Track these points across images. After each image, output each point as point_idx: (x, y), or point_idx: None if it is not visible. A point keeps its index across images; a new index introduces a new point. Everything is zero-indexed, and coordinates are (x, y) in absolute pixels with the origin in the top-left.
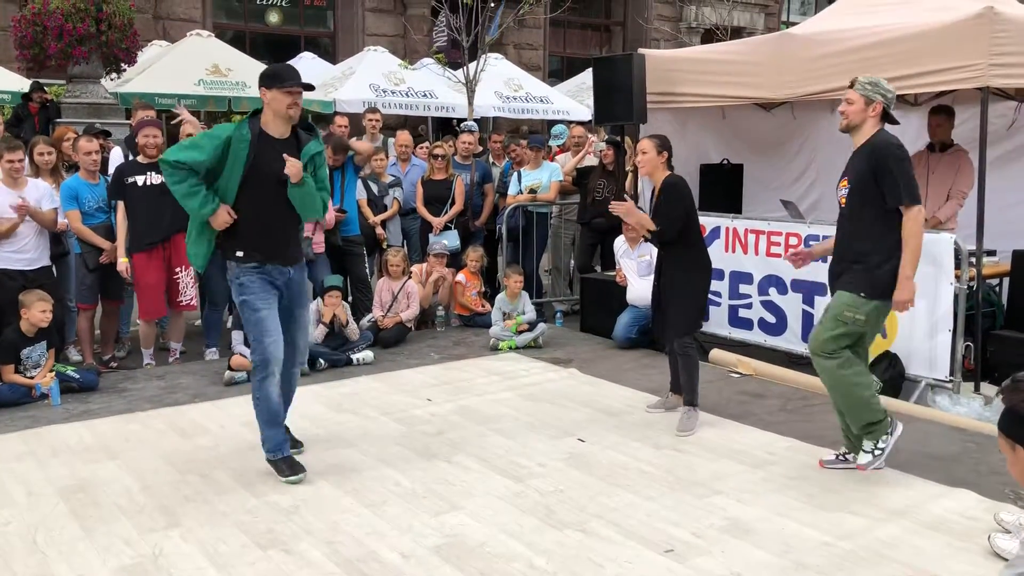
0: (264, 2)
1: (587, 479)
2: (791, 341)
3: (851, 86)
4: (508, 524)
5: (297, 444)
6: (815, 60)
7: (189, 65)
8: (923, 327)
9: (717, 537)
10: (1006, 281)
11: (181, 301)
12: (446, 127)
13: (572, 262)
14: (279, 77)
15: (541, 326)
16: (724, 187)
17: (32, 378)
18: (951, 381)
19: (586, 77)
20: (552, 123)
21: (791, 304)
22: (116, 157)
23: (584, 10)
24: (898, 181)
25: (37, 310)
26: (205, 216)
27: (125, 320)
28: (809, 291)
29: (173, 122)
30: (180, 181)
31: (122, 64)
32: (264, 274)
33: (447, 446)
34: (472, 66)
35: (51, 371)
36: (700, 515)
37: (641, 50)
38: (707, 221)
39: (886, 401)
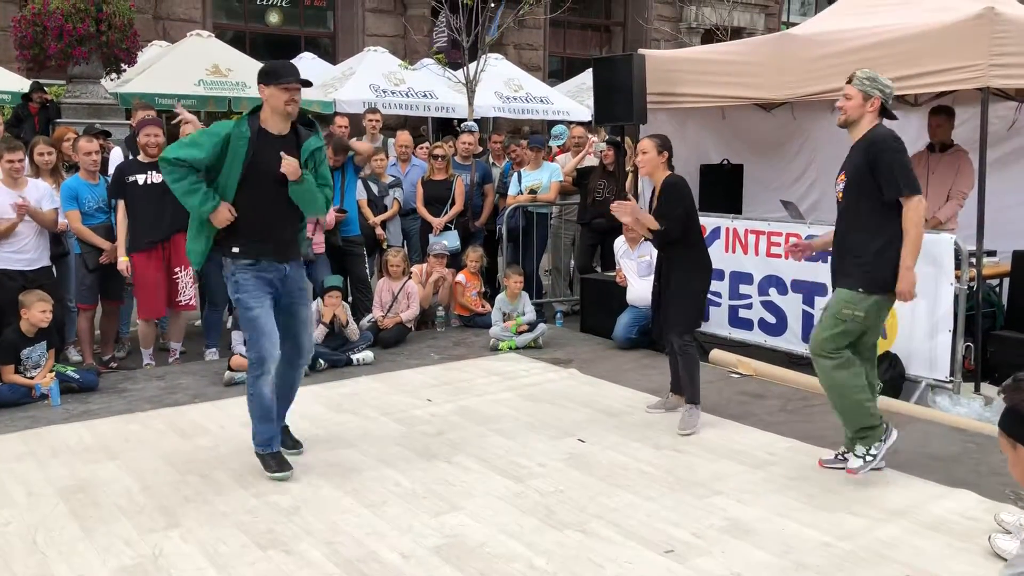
0: (264, 2)
1: (587, 479)
2: (791, 341)
3: (849, 81)
4: (508, 524)
5: (297, 445)
6: (815, 60)
7: (189, 65)
8: (923, 327)
9: (717, 537)
10: (1006, 281)
11: (180, 301)
12: (446, 127)
13: (572, 262)
14: (276, 74)
15: (541, 326)
16: (724, 187)
17: (32, 378)
18: (951, 382)
19: (586, 77)
20: (552, 123)
21: (791, 304)
22: (116, 157)
23: (584, 10)
24: (895, 173)
25: (37, 310)
26: (205, 214)
27: (125, 320)
28: (809, 291)
29: (173, 122)
30: (180, 179)
31: (122, 64)
32: (259, 271)
33: (447, 446)
34: (472, 66)
35: (51, 371)
36: (700, 515)
37: (641, 50)
38: (707, 221)
39: (886, 402)
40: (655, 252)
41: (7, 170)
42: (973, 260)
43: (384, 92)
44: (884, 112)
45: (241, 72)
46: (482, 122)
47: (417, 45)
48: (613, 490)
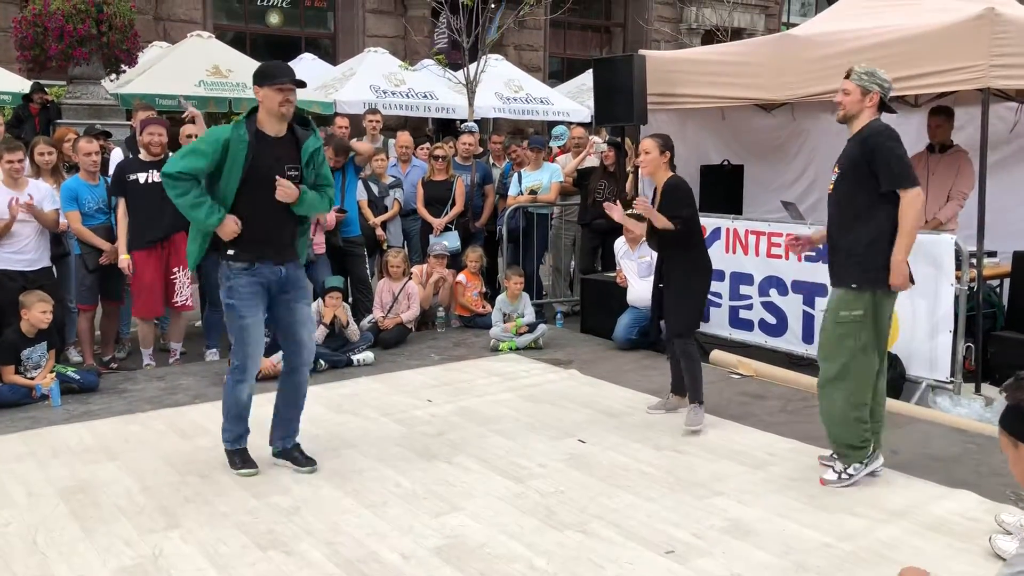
0: (265, 3)
1: (587, 480)
2: (791, 342)
3: (847, 76)
4: (509, 525)
5: (311, 462)
6: (815, 61)
7: (189, 66)
8: (924, 328)
9: (718, 538)
10: (1007, 282)
11: (176, 302)
12: (447, 128)
13: (572, 263)
14: (270, 75)
15: (541, 327)
16: (724, 188)
17: (32, 379)
18: (952, 382)
19: (586, 78)
20: (552, 124)
21: (792, 305)
22: (116, 158)
23: (584, 11)
24: (892, 164)
25: (37, 311)
26: (211, 227)
27: (125, 321)
28: (809, 292)
29: (184, 116)
30: (184, 193)
31: (122, 65)
32: (254, 275)
33: (447, 447)
34: (472, 67)
35: (51, 372)
36: (701, 516)
37: (641, 51)
38: (708, 222)
39: (887, 403)
40: (655, 253)
41: (7, 170)
42: (973, 261)
43: (384, 93)
44: (883, 107)
45: (241, 73)
46: (482, 123)
47: (417, 46)
48: (613, 491)
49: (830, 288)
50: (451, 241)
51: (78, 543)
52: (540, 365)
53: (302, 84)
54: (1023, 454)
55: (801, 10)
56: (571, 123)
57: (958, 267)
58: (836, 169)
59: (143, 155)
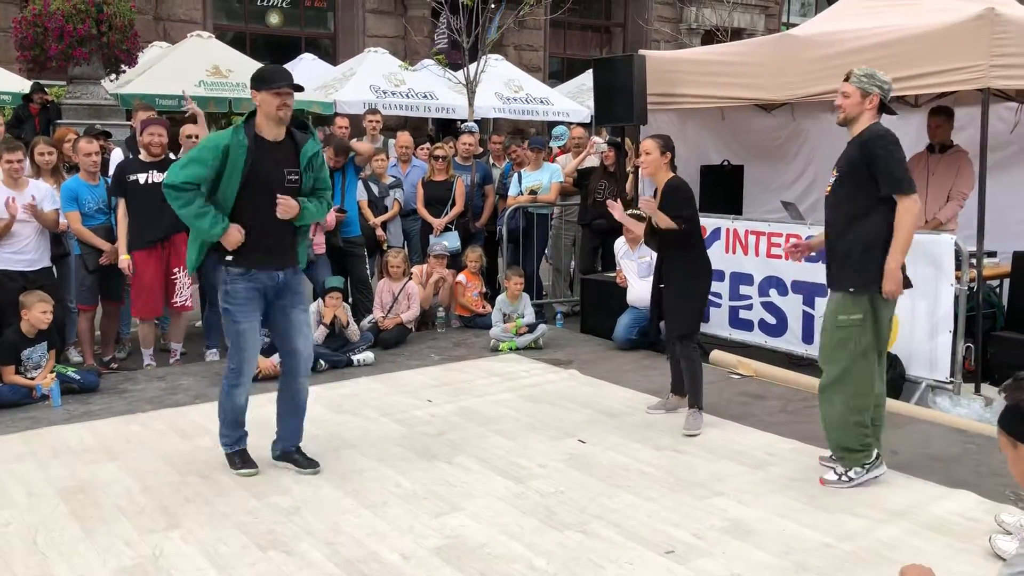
0: (265, 3)
1: (588, 480)
2: (791, 342)
3: (847, 79)
4: (509, 525)
5: (313, 464)
6: (815, 61)
7: (189, 66)
8: (924, 328)
9: (718, 538)
10: (1007, 282)
11: (176, 302)
12: (447, 128)
13: (573, 263)
14: (267, 79)
15: (541, 327)
16: (724, 188)
17: (33, 379)
18: (952, 382)
19: (586, 78)
20: (552, 124)
21: (791, 305)
22: (116, 158)
23: (584, 11)
24: (892, 169)
25: (38, 311)
26: (215, 237)
27: (125, 321)
28: (809, 292)
29: (185, 111)
30: (188, 203)
31: (122, 65)
32: (251, 280)
33: (447, 447)
34: (472, 67)
35: (52, 372)
36: (701, 516)
37: (641, 51)
38: (708, 222)
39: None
40: (655, 253)
41: (7, 170)
42: (973, 261)
43: (384, 93)
44: (883, 108)
45: (241, 73)
46: (482, 123)
47: (417, 46)
48: (613, 491)
49: (829, 291)
50: (451, 241)
51: (78, 543)
52: (540, 365)
53: (299, 88)
54: (1022, 454)
55: (801, 10)
56: (571, 123)
57: (958, 267)
58: (834, 172)
59: (143, 156)
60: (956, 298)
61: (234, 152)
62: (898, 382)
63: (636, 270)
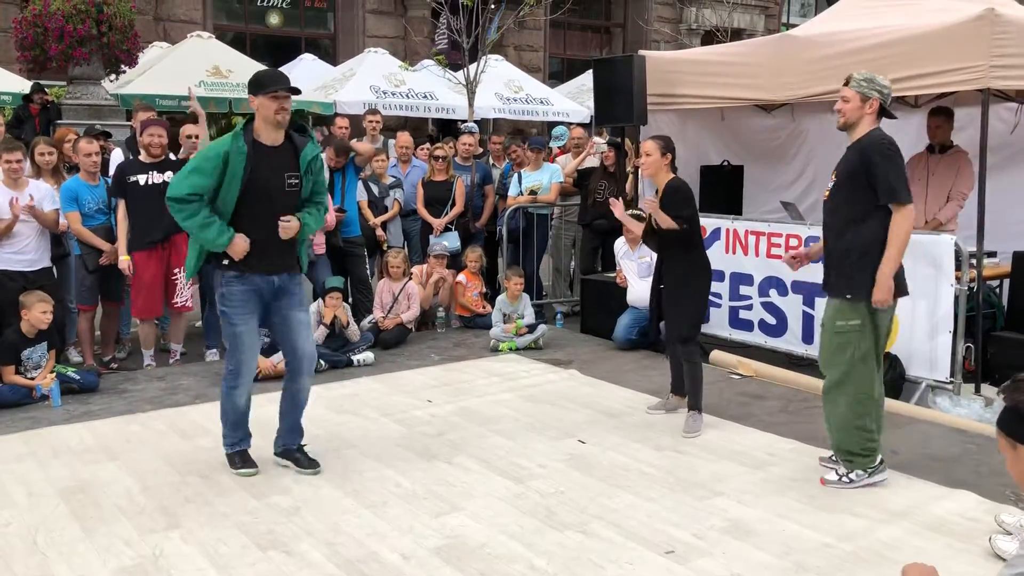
0: (265, 4)
1: (588, 480)
2: (791, 342)
3: (846, 84)
4: (509, 525)
5: (314, 464)
6: (815, 62)
7: (190, 66)
8: (924, 328)
9: (718, 538)
10: (1006, 283)
11: (176, 302)
12: (447, 128)
13: (573, 263)
14: (263, 83)
15: (541, 327)
16: (724, 188)
17: (33, 379)
18: (951, 382)
19: (586, 79)
20: (552, 124)
21: (791, 305)
22: (116, 158)
23: (584, 12)
24: (889, 178)
25: (38, 311)
26: (221, 247)
27: (125, 321)
28: (809, 292)
29: (188, 108)
30: (192, 215)
31: (122, 66)
32: (247, 283)
33: (447, 447)
34: (472, 68)
35: (52, 372)
36: (701, 516)
37: (641, 52)
38: (708, 222)
39: (887, 403)
40: (655, 253)
41: (6, 170)
42: (973, 261)
43: (384, 93)
44: (883, 113)
45: (242, 73)
46: (482, 123)
47: (417, 46)
48: (614, 491)
49: (827, 296)
50: (451, 241)
51: (78, 543)
52: (540, 365)
53: (296, 91)
54: (1021, 455)
55: (801, 10)
56: (571, 123)
57: (958, 267)
58: (833, 177)
59: (143, 157)
60: (956, 298)
61: (234, 159)
62: (898, 382)
63: (636, 270)
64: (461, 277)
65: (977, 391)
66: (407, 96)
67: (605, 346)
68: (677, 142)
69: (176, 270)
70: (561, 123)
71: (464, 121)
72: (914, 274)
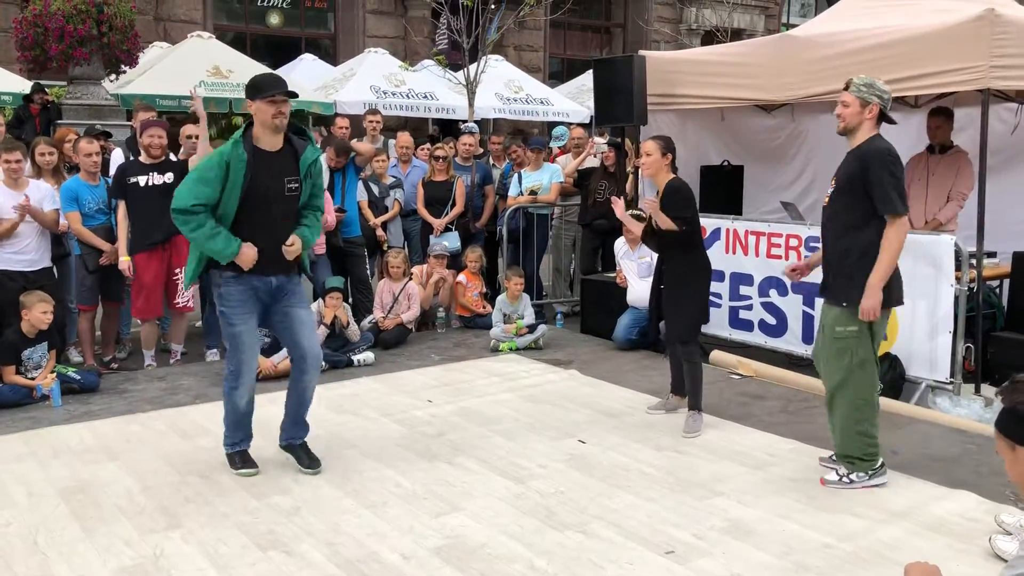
0: (265, 4)
1: (588, 480)
2: (791, 343)
3: (846, 88)
4: (509, 525)
5: (315, 464)
6: (815, 62)
7: (190, 67)
8: (923, 329)
9: (718, 538)
10: (1006, 283)
11: (178, 303)
12: (447, 128)
13: (573, 263)
14: (261, 87)
15: (541, 327)
16: (724, 188)
17: (33, 379)
18: (951, 383)
19: (586, 79)
20: (552, 125)
21: (791, 306)
22: (117, 158)
23: (584, 12)
24: (887, 188)
25: (38, 311)
26: (229, 257)
27: (126, 321)
28: (809, 293)
29: (190, 107)
30: (199, 226)
31: (123, 66)
32: (243, 283)
33: (448, 447)
34: (472, 68)
35: (52, 372)
36: (701, 516)
37: (641, 52)
38: (708, 223)
39: (887, 403)
40: (655, 253)
41: (6, 171)
42: (973, 261)
43: (385, 93)
44: (883, 117)
45: (242, 73)
46: (482, 123)
47: (417, 46)
48: (614, 491)
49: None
50: (451, 241)
51: (78, 543)
52: (540, 365)
53: (294, 95)
54: (1020, 456)
55: (801, 11)
56: (571, 124)
57: (958, 268)
58: (833, 183)
59: (143, 157)
60: (956, 298)
61: (234, 167)
62: (898, 382)
63: (636, 270)
64: (461, 277)
65: (977, 391)
66: (407, 96)
67: (605, 346)
68: (677, 142)
69: (177, 270)
70: (561, 123)
71: (464, 121)
72: (914, 274)
